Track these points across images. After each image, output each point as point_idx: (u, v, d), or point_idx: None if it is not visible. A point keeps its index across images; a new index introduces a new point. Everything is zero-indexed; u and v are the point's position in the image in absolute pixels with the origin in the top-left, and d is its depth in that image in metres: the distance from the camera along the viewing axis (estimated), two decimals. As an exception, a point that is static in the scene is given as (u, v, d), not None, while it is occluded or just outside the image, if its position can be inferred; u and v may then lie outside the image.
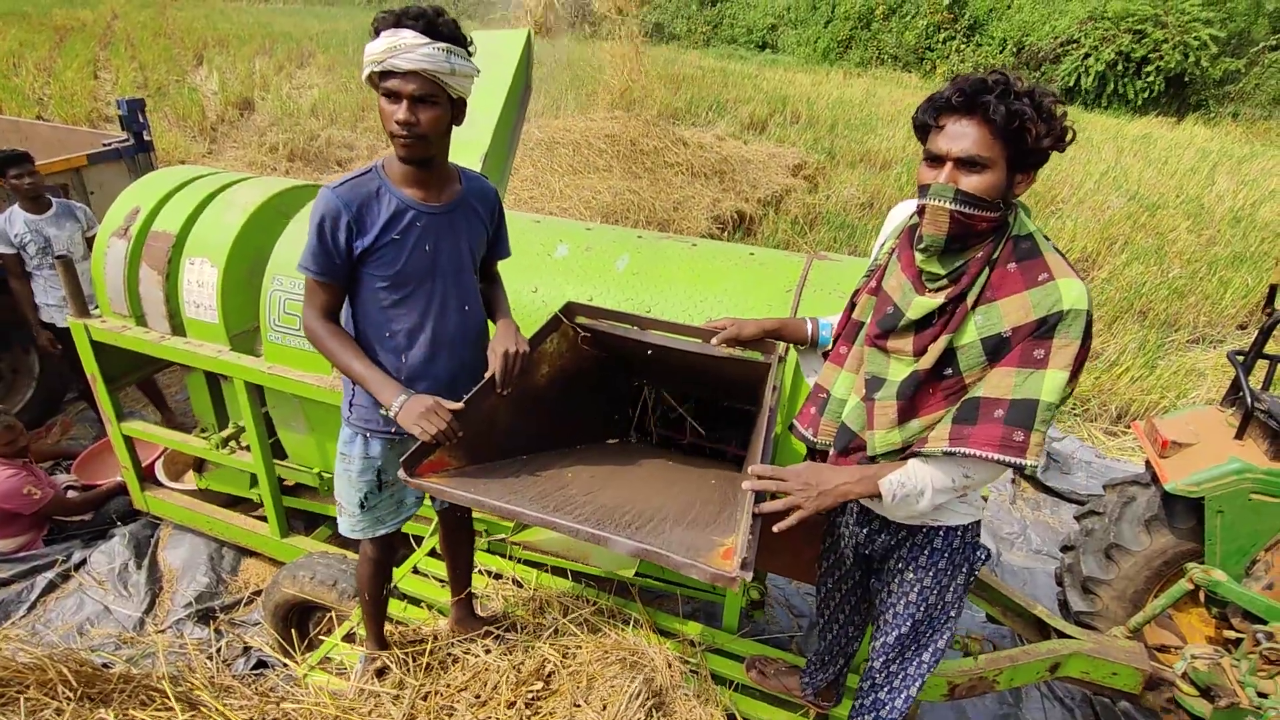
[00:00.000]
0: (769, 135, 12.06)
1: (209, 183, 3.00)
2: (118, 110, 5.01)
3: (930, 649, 1.75)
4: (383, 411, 1.71)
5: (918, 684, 1.78)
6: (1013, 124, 1.30)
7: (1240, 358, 3.08)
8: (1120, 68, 17.75)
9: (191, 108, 10.95)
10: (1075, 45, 18.31)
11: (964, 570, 1.68)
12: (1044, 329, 1.36)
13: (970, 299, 1.42)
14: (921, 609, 1.70)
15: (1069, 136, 1.36)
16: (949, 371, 1.47)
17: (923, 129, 1.43)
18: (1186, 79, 17.36)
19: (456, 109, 1.70)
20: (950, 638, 1.76)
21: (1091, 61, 17.94)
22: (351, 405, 1.87)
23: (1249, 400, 2.87)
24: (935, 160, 1.39)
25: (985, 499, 2.18)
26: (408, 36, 1.55)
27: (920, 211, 1.44)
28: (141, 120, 5.01)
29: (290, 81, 13.86)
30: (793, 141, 11.62)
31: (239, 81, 13.04)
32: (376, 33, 1.59)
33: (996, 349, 1.41)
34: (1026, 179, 1.40)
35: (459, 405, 1.66)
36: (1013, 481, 4.71)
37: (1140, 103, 17.64)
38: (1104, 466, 4.88)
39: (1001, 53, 19.49)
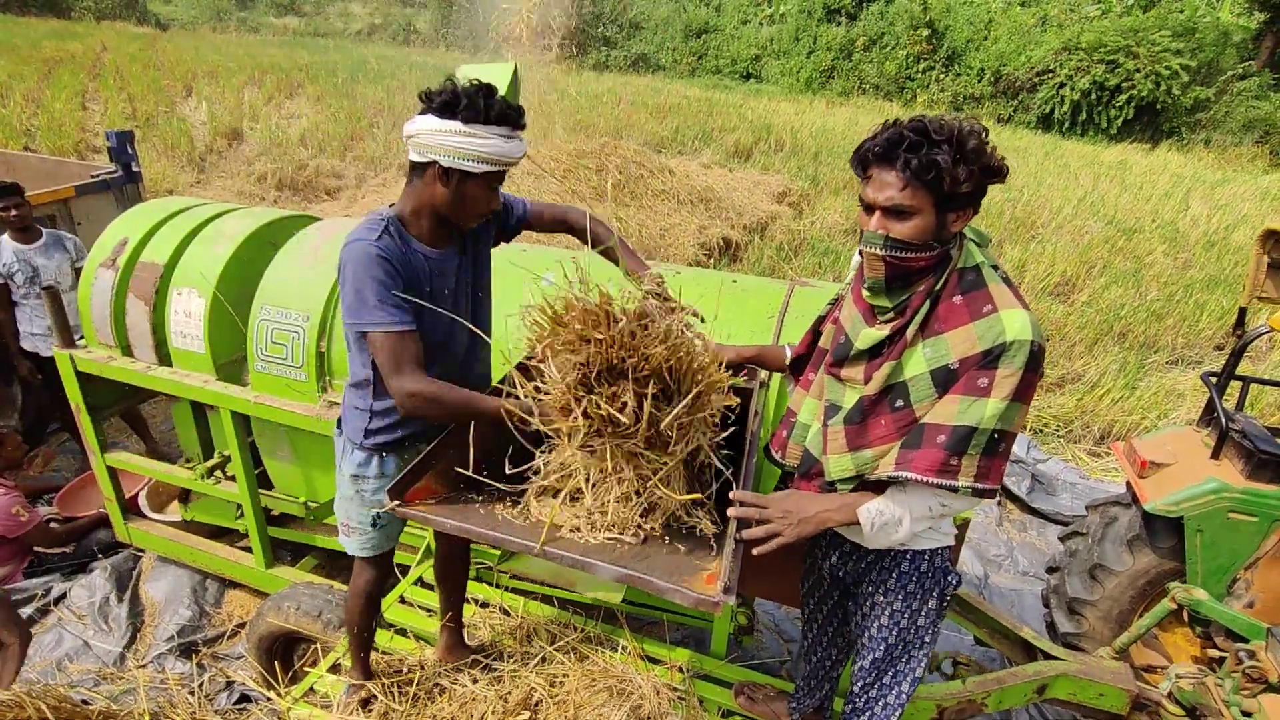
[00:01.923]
0: (754, 163, 12.26)
1: (197, 214, 3.03)
2: (106, 142, 5.03)
3: (909, 677, 1.77)
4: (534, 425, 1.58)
5: (897, 713, 1.80)
6: (927, 174, 1.34)
7: (1214, 379, 3.14)
8: (1094, 96, 18.28)
9: (180, 138, 10.99)
10: (1051, 75, 18.83)
11: (934, 595, 1.70)
12: (988, 359, 1.40)
13: (910, 332, 1.47)
14: (894, 633, 1.72)
15: (1003, 172, 1.40)
16: (900, 404, 1.50)
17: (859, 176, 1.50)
18: (1159, 107, 17.89)
19: None
20: (926, 665, 1.77)
21: (1066, 90, 18.45)
22: (367, 431, 1.86)
23: (1223, 421, 2.93)
24: (868, 208, 1.45)
25: (968, 520, 2.21)
26: (518, 135, 1.66)
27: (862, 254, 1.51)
28: (130, 152, 5.04)
29: (279, 112, 13.94)
30: (777, 169, 11.82)
31: (228, 112, 13.10)
32: (479, 122, 1.58)
33: (946, 381, 1.45)
34: (962, 215, 1.43)
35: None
36: (999, 504, 4.74)
37: (1115, 130, 18.13)
38: (1088, 487, 4.92)
39: (980, 82, 20.00)
